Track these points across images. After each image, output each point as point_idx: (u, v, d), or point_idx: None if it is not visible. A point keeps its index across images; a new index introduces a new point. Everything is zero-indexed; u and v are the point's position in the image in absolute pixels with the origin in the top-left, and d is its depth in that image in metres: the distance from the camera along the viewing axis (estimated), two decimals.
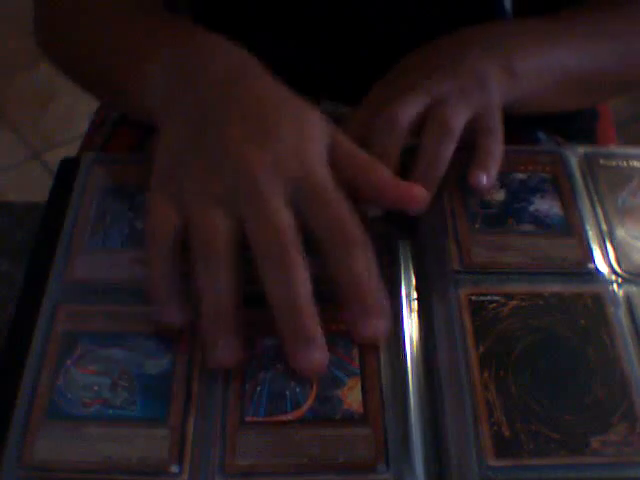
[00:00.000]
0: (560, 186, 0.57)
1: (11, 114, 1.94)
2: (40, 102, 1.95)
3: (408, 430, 0.45)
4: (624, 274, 0.52)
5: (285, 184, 0.46)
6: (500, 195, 0.56)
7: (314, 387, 0.46)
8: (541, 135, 0.71)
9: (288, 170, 0.47)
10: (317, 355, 0.45)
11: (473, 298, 0.50)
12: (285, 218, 0.45)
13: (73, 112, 1.83)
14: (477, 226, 0.54)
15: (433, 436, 0.45)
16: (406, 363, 0.48)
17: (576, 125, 0.78)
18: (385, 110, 0.54)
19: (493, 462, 0.43)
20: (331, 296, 0.47)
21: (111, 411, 0.44)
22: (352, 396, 0.46)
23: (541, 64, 0.60)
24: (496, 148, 0.55)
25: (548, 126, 0.72)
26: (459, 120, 0.54)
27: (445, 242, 0.53)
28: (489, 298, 0.50)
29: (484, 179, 0.54)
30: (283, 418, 0.44)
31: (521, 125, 0.69)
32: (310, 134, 0.49)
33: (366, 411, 0.45)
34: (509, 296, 0.50)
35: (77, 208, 0.54)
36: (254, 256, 0.45)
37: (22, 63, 1.96)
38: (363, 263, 0.46)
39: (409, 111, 0.54)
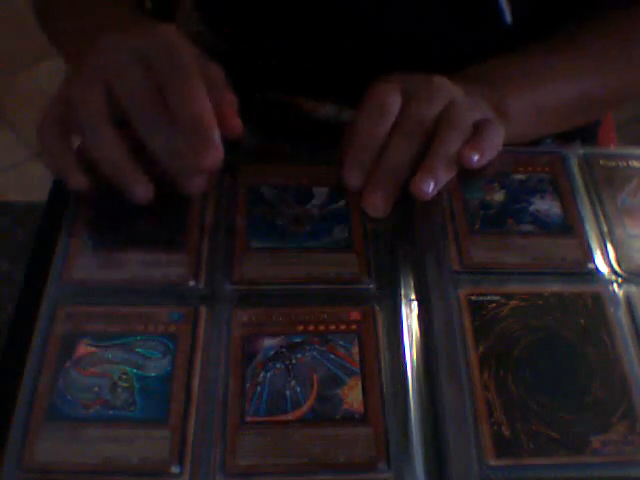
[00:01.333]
0: (560, 186, 0.57)
1: (11, 114, 1.94)
2: (40, 102, 1.95)
3: (408, 430, 0.45)
4: (624, 274, 0.52)
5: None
6: (500, 196, 0.56)
7: (314, 387, 0.46)
8: (547, 139, 0.71)
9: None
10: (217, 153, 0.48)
11: (473, 298, 0.50)
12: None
13: None
14: (477, 227, 0.54)
15: (433, 436, 0.45)
16: (406, 363, 0.48)
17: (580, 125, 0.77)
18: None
19: (493, 462, 0.44)
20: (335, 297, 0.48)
21: (111, 412, 0.44)
22: (352, 396, 0.46)
23: (532, 102, 0.61)
24: (494, 135, 0.55)
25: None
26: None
27: (445, 243, 0.53)
28: (489, 298, 0.50)
29: (475, 158, 0.54)
30: (283, 418, 0.45)
31: None
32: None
33: (366, 411, 0.45)
34: (509, 296, 0.50)
35: (76, 208, 0.54)
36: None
37: (22, 63, 1.96)
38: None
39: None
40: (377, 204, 0.54)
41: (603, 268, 0.52)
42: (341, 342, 0.48)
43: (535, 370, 0.47)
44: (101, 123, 0.51)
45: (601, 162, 0.59)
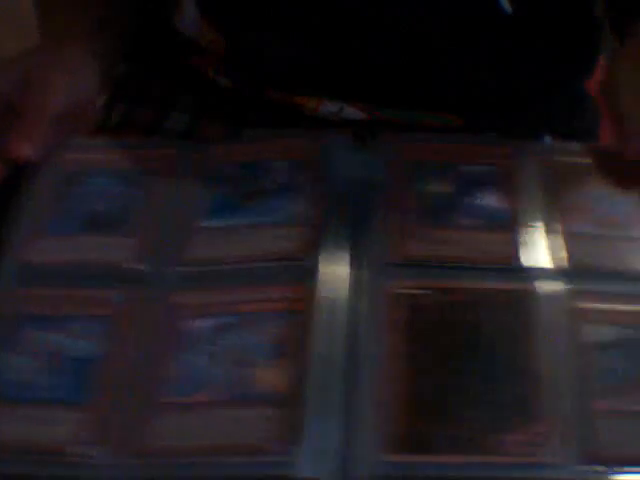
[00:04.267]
0: (511, 180, 0.57)
1: None
2: None
3: (323, 415, 0.46)
4: (556, 271, 0.53)
5: None
6: (448, 188, 0.56)
7: (231, 367, 0.47)
8: (547, 139, 0.70)
9: None
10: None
11: (405, 291, 0.51)
12: None
13: None
14: (421, 219, 0.55)
15: (345, 424, 0.46)
16: (330, 347, 0.49)
17: (580, 125, 0.77)
18: None
19: (392, 457, 0.44)
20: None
21: (38, 393, 0.46)
22: (272, 376, 0.47)
23: None
24: None
25: (553, 127, 0.72)
26: None
27: (385, 235, 0.54)
28: (421, 292, 0.51)
29: None
30: (198, 399, 0.46)
31: (527, 127, 0.70)
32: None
33: (284, 392, 0.46)
34: (442, 291, 0.51)
35: (33, 192, 0.56)
36: None
37: None
38: None
39: None
40: None
41: (543, 264, 0.53)
42: (271, 321, 0.49)
43: (451, 366, 0.48)
44: None
45: (555, 157, 0.59)
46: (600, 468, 0.44)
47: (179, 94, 0.75)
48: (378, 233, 0.54)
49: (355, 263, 0.53)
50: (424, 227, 0.54)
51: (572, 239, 0.55)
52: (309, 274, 0.52)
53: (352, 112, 0.69)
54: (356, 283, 0.52)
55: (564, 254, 0.54)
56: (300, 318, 0.50)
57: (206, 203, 0.56)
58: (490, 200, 0.56)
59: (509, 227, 0.55)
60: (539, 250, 0.54)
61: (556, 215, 0.56)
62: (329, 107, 0.70)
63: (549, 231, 0.55)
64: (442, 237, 0.54)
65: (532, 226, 0.55)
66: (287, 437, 0.44)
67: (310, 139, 0.59)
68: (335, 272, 0.52)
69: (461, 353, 0.49)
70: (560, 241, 0.54)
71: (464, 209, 0.55)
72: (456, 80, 0.68)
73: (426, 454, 0.44)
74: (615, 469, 0.44)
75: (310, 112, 0.70)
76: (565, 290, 0.52)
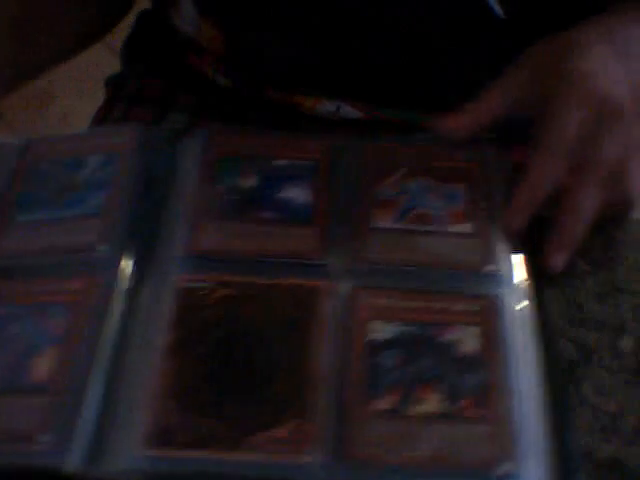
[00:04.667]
0: (319, 174, 0.56)
1: (10, 114, 1.94)
2: (40, 102, 1.92)
3: (83, 406, 0.46)
4: (353, 268, 0.52)
5: None
6: (252, 181, 0.56)
7: (8, 357, 0.48)
8: None
9: None
10: None
11: (186, 284, 0.51)
12: None
13: (73, 112, 1.79)
14: (217, 212, 0.54)
15: (105, 415, 0.46)
16: (103, 341, 0.49)
17: None
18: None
19: (146, 451, 0.44)
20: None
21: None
22: (46, 365, 0.47)
23: None
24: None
25: None
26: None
27: (177, 228, 0.53)
28: (200, 285, 0.51)
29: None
30: None
31: (525, 127, 0.70)
32: None
33: (50, 380, 0.47)
34: (224, 284, 0.51)
35: None
36: None
37: None
38: None
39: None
40: (559, 266, 0.53)
41: (333, 261, 0.52)
42: (54, 311, 0.50)
43: (223, 361, 0.48)
44: None
45: (374, 151, 0.58)
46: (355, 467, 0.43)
47: (178, 94, 0.77)
48: (170, 226, 0.54)
49: (144, 256, 0.53)
50: (219, 220, 0.53)
51: (374, 234, 0.54)
52: (98, 266, 0.52)
53: (350, 111, 0.70)
54: (140, 275, 0.52)
55: (361, 250, 0.53)
56: (82, 309, 0.50)
57: (21, 197, 0.57)
58: (297, 194, 0.55)
59: (311, 222, 0.54)
60: (338, 246, 0.53)
61: (363, 210, 0.55)
62: (327, 106, 0.70)
63: (353, 227, 0.54)
64: (237, 231, 0.53)
65: (335, 221, 0.54)
66: (47, 426, 0.45)
67: (126, 132, 0.58)
68: (123, 264, 0.52)
69: (234, 348, 0.48)
70: (361, 237, 0.53)
71: (267, 203, 0.54)
72: (455, 80, 0.67)
73: (184, 449, 0.44)
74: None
75: (308, 111, 0.71)
76: (351, 287, 0.51)
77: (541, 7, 0.64)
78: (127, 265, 0.52)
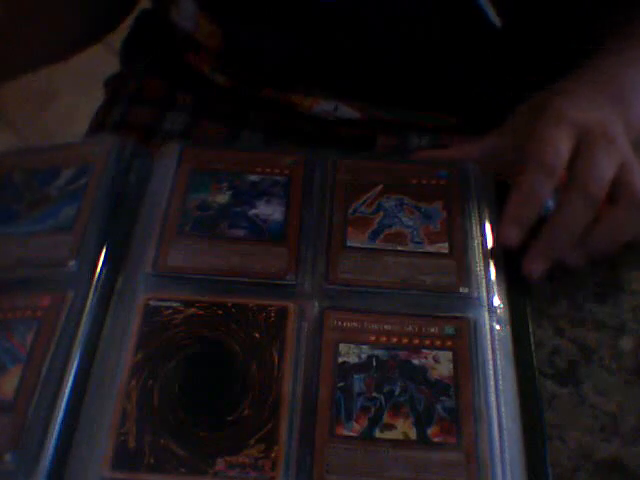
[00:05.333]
0: (292, 191, 0.55)
1: (11, 114, 1.94)
2: (40, 102, 1.92)
3: (44, 425, 0.45)
4: (325, 288, 0.51)
5: None
6: (224, 197, 0.55)
7: None
8: None
9: None
10: None
11: (152, 303, 0.50)
12: None
13: (73, 112, 1.78)
14: (186, 229, 0.53)
15: (65, 435, 0.45)
16: (72, 357, 0.48)
17: None
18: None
19: (108, 473, 0.43)
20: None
21: None
22: (8, 383, 0.47)
23: None
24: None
25: None
26: None
27: (148, 243, 0.52)
28: (167, 304, 0.50)
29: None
30: None
31: None
32: None
33: (15, 399, 0.46)
34: (189, 303, 0.50)
35: None
36: None
37: None
38: None
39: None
40: (536, 273, 0.53)
41: (302, 282, 0.51)
42: (21, 328, 0.49)
43: (187, 383, 0.47)
44: None
45: (350, 168, 0.57)
46: None
47: (177, 94, 0.76)
48: (141, 242, 0.53)
49: (114, 272, 0.52)
50: (188, 237, 0.52)
51: (346, 254, 0.52)
52: (68, 282, 0.51)
53: (347, 111, 0.69)
54: (110, 292, 0.51)
55: (332, 270, 0.52)
56: (50, 326, 0.49)
57: None
58: (269, 211, 0.54)
59: (282, 240, 0.53)
60: (308, 265, 0.52)
61: (336, 228, 0.54)
62: (323, 106, 0.70)
63: (325, 245, 0.53)
64: (206, 248, 0.52)
65: (307, 240, 0.53)
66: (12, 446, 0.44)
67: (100, 144, 0.58)
68: (93, 281, 0.51)
69: (199, 369, 0.47)
70: (333, 256, 0.52)
71: (238, 220, 0.53)
72: (453, 81, 0.67)
73: (147, 473, 0.43)
74: None
75: (305, 111, 0.70)
76: (321, 308, 0.50)
77: (537, 17, 0.64)
78: (97, 281, 0.51)
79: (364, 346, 0.48)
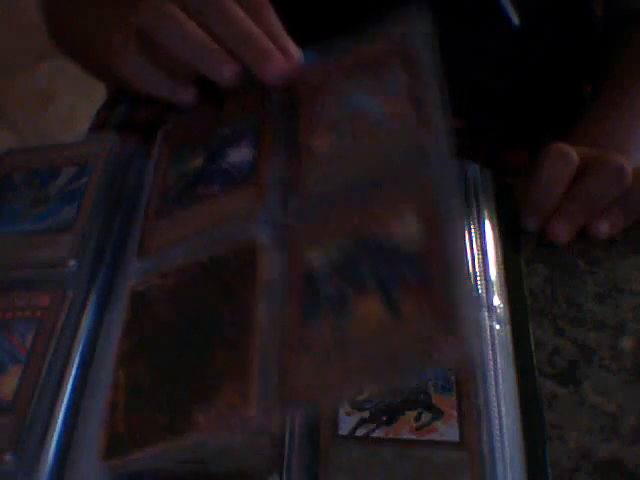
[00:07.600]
0: (260, 129, 0.51)
1: (11, 114, 1.92)
2: (40, 102, 1.90)
3: (44, 423, 0.45)
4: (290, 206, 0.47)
5: None
6: (199, 160, 0.52)
7: None
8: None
9: None
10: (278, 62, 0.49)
11: (137, 288, 0.48)
12: None
13: (73, 112, 1.77)
14: (166, 205, 0.51)
15: (71, 433, 0.45)
16: (74, 356, 0.48)
17: None
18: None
19: (105, 464, 0.42)
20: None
21: None
22: (7, 384, 0.46)
23: None
24: None
25: (554, 128, 0.70)
26: None
27: (136, 229, 0.51)
28: (149, 284, 0.48)
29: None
30: None
31: (529, 130, 0.70)
32: None
33: (15, 399, 0.45)
34: (165, 275, 0.47)
35: None
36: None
37: (22, 63, 1.84)
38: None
39: None
40: (563, 237, 0.55)
41: (268, 213, 0.47)
42: (20, 328, 0.48)
43: (170, 351, 0.44)
44: (181, 17, 0.50)
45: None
46: None
47: None
48: (134, 240, 0.52)
49: (113, 271, 0.52)
50: (167, 215, 0.50)
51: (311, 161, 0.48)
52: (67, 281, 0.51)
53: None
54: (109, 290, 0.51)
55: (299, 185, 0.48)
56: (50, 326, 0.49)
57: None
58: (235, 158, 0.50)
59: (253, 181, 0.49)
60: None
61: (302, 140, 0.50)
62: None
63: (292, 160, 0.49)
64: (182, 218, 0.49)
65: (275, 169, 0.49)
66: (13, 446, 0.44)
67: (100, 143, 0.57)
68: (93, 281, 0.51)
69: (182, 338, 0.44)
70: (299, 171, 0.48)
71: (213, 177, 0.50)
72: (458, 82, 0.66)
73: (136, 451, 0.42)
74: None
75: None
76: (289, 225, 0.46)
77: (554, 16, 0.65)
78: (97, 281, 0.51)
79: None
